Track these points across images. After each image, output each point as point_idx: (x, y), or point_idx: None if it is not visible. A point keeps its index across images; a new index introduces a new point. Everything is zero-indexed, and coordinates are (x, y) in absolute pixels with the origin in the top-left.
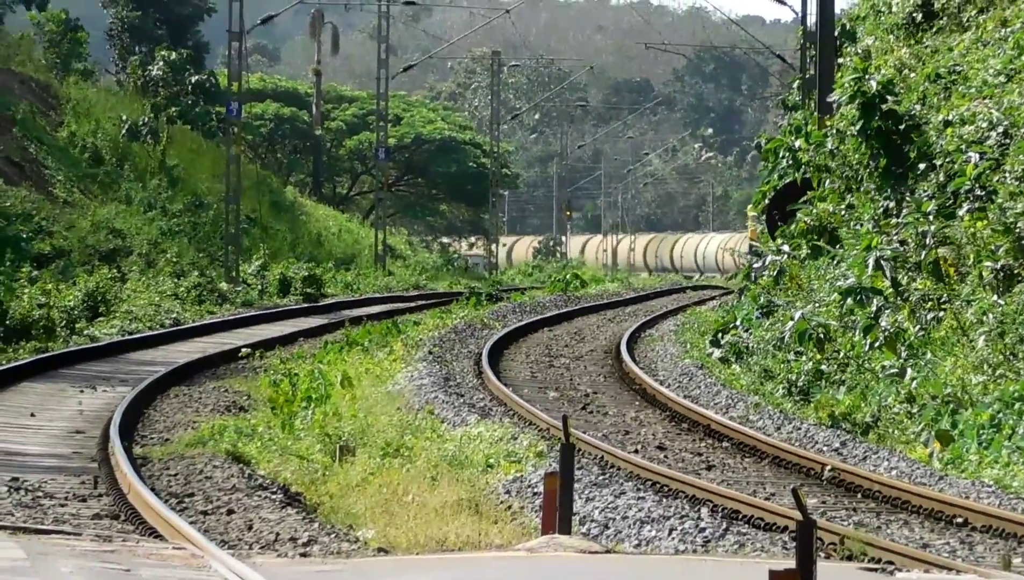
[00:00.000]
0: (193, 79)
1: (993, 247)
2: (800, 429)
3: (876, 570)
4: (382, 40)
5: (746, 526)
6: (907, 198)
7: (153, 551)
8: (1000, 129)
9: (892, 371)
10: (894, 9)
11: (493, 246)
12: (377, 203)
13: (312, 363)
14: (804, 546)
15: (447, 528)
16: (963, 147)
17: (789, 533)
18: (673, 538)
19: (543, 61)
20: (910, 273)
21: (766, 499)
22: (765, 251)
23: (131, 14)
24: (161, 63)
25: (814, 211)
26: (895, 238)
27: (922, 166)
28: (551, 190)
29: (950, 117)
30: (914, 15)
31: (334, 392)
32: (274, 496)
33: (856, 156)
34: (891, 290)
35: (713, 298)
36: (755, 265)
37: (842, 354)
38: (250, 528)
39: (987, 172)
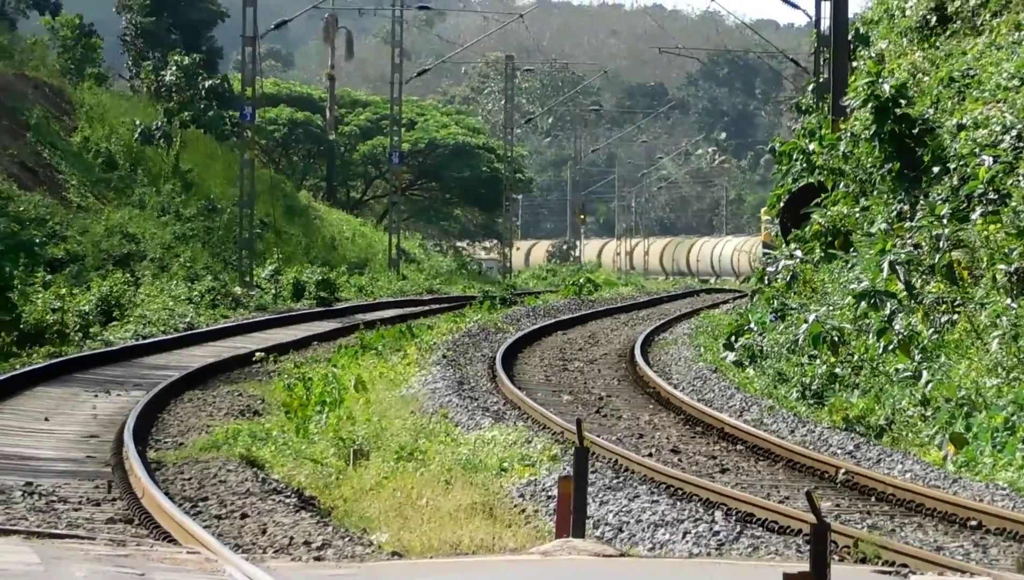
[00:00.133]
0: (206, 84)
1: (1007, 250)
2: (814, 432)
3: (890, 573)
4: (396, 45)
5: (760, 529)
6: (921, 201)
7: (167, 555)
8: (1014, 133)
9: (906, 374)
10: (908, 13)
11: (507, 250)
12: (391, 207)
13: (326, 367)
14: (818, 549)
15: (461, 532)
16: (977, 150)
17: (803, 536)
18: (687, 541)
19: (556, 65)
20: (924, 276)
21: (780, 502)
22: (778, 256)
23: (145, 19)
24: (174, 68)
25: (828, 214)
26: (909, 241)
27: (936, 170)
28: (565, 194)
29: (964, 121)
30: (928, 19)
31: (348, 396)
32: (288, 500)
33: (869, 160)
34: (905, 293)
35: (727, 302)
36: (769, 268)
37: (856, 357)
38: (264, 532)
39: (1001, 175)
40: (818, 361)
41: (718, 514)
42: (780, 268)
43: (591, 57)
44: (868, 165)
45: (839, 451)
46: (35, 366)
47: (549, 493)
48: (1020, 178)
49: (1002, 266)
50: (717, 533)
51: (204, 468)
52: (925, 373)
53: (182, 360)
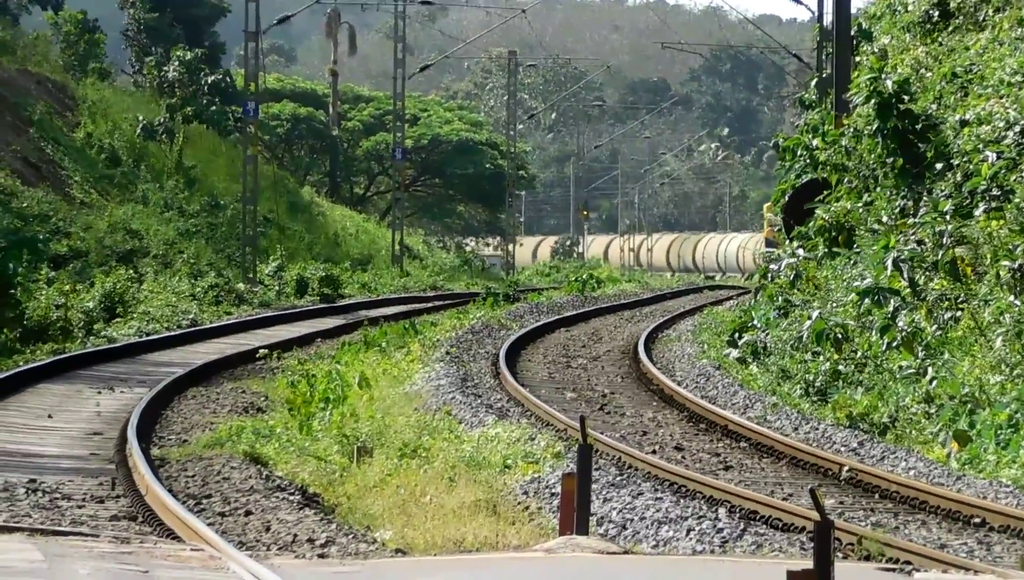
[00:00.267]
0: (209, 79)
1: (1010, 246)
2: (818, 429)
3: (894, 570)
4: (398, 40)
5: (764, 527)
6: (924, 198)
7: (171, 552)
8: (1017, 128)
9: (909, 371)
10: (910, 8)
11: (510, 246)
12: (394, 203)
13: (330, 364)
14: (822, 546)
15: (465, 529)
16: (980, 146)
17: (807, 533)
18: (691, 539)
19: (559, 61)
20: (927, 273)
21: (784, 500)
22: (782, 253)
23: (147, 15)
24: (177, 63)
25: (831, 209)
26: (912, 238)
27: (939, 166)
28: (567, 190)
29: (967, 116)
30: (930, 14)
31: (351, 393)
32: (292, 497)
33: (872, 156)
34: (908, 290)
35: (730, 298)
36: (772, 265)
37: (859, 354)
38: (268, 529)
39: (1004, 171)
40: (822, 358)
41: (722, 511)
42: (783, 266)
43: (594, 52)
44: (871, 161)
45: (843, 448)
46: (38, 363)
47: (553, 490)
48: (1023, 174)
49: (1006, 262)
50: (721, 530)
51: (208, 465)
52: (930, 370)
53: (185, 357)
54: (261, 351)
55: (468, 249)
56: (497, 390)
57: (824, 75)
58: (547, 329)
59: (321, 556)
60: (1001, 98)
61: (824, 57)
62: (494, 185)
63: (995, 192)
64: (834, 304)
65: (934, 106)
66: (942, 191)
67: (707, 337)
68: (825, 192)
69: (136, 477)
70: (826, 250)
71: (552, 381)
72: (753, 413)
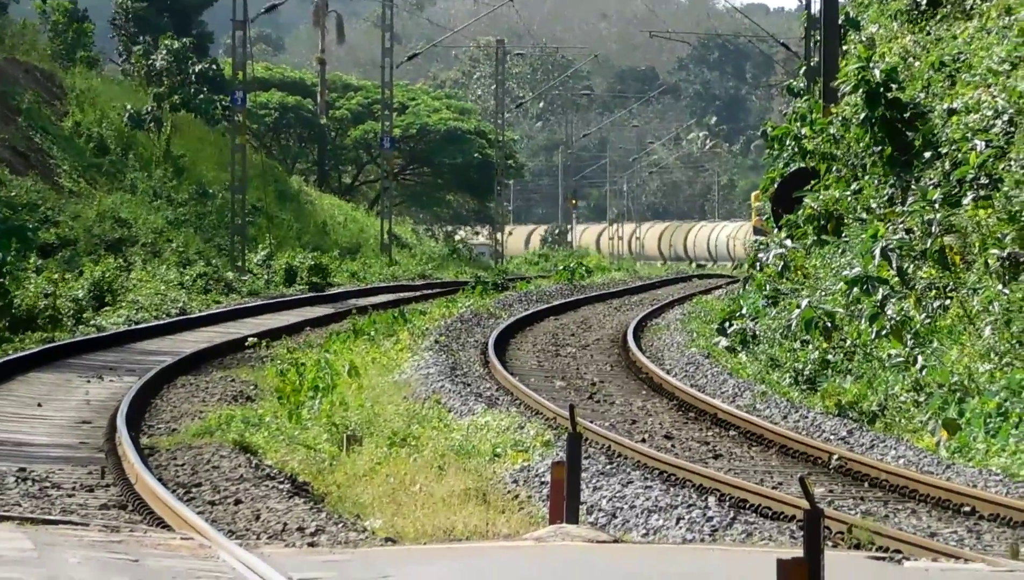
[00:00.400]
0: (197, 68)
1: (999, 235)
2: (807, 418)
3: (884, 559)
4: (386, 29)
5: (754, 515)
6: (912, 186)
7: (161, 541)
8: (1005, 117)
9: (898, 360)
10: None
11: (498, 235)
12: (383, 192)
13: (319, 352)
14: (812, 535)
15: (454, 518)
16: (968, 135)
17: (797, 522)
18: (681, 527)
19: (547, 50)
20: (916, 262)
21: (773, 488)
22: (770, 242)
23: (135, 3)
24: (165, 52)
25: (820, 198)
26: (900, 226)
27: (927, 154)
28: (556, 179)
29: (955, 105)
30: (918, 2)
31: (341, 382)
32: (281, 486)
33: (861, 145)
34: (897, 279)
35: (720, 287)
36: (760, 255)
37: (848, 343)
38: (258, 518)
39: (992, 160)
40: (811, 346)
41: (711, 500)
42: (772, 256)
43: (582, 41)
44: (859, 150)
45: (832, 437)
46: (27, 352)
47: (542, 479)
48: (1012, 163)
49: (994, 251)
50: (711, 519)
51: (197, 454)
52: (919, 358)
53: (174, 345)
54: (250, 340)
55: (457, 238)
56: (486, 379)
57: (812, 64)
58: (536, 318)
59: (311, 545)
60: (989, 87)
61: (812, 45)
62: (483, 174)
63: (983, 181)
64: (823, 293)
65: (922, 95)
66: (930, 180)
67: (696, 326)
68: (813, 181)
69: (126, 466)
70: (815, 239)
71: (541, 370)
72: (742, 402)
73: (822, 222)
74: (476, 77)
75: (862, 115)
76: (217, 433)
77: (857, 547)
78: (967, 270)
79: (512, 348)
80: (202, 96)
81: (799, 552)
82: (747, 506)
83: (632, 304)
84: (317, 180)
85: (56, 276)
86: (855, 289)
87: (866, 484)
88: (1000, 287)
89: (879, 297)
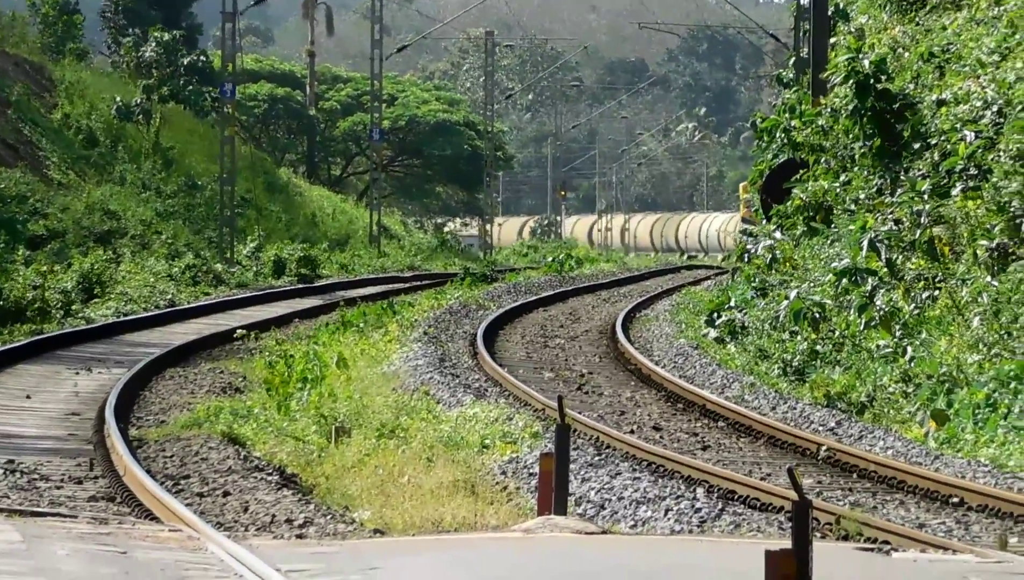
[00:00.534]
0: (186, 60)
1: (988, 226)
2: (795, 409)
3: (872, 550)
4: (375, 20)
5: (742, 506)
6: (901, 177)
7: (149, 533)
8: (994, 108)
9: (887, 351)
10: None
11: (488, 226)
12: (372, 184)
13: (307, 344)
14: (800, 526)
15: (443, 509)
16: (957, 126)
17: (785, 513)
18: (669, 518)
19: (537, 41)
20: (905, 252)
21: (762, 479)
22: (759, 232)
23: None
24: (154, 44)
25: (809, 188)
26: (889, 217)
27: (916, 145)
28: (545, 170)
29: (944, 96)
30: None
31: (329, 373)
32: (270, 478)
33: (850, 136)
34: (886, 270)
35: (709, 278)
36: (749, 246)
37: (837, 334)
38: (246, 510)
39: (981, 151)
40: (799, 338)
41: (700, 491)
42: (761, 249)
43: (571, 32)
44: (848, 141)
45: (820, 428)
46: (16, 344)
47: (531, 470)
48: (1000, 154)
49: (983, 242)
50: (699, 510)
51: (186, 446)
52: (908, 349)
53: (163, 337)
54: (239, 331)
55: (447, 230)
56: (475, 370)
57: (801, 55)
58: (525, 309)
59: (299, 537)
60: (978, 78)
61: (801, 36)
62: (472, 165)
63: (972, 172)
64: (811, 284)
65: (911, 86)
66: (919, 171)
67: (685, 317)
68: (802, 171)
69: (114, 458)
70: (804, 230)
71: (530, 361)
72: (731, 393)
73: (811, 213)
74: (465, 69)
75: (851, 106)
76: (205, 425)
77: (845, 538)
78: (956, 261)
79: (501, 339)
80: (191, 88)
81: (787, 543)
82: (735, 497)
83: (621, 295)
84: (306, 172)
85: (45, 268)
86: (844, 280)
87: (854, 475)
88: (989, 278)
89: (868, 288)
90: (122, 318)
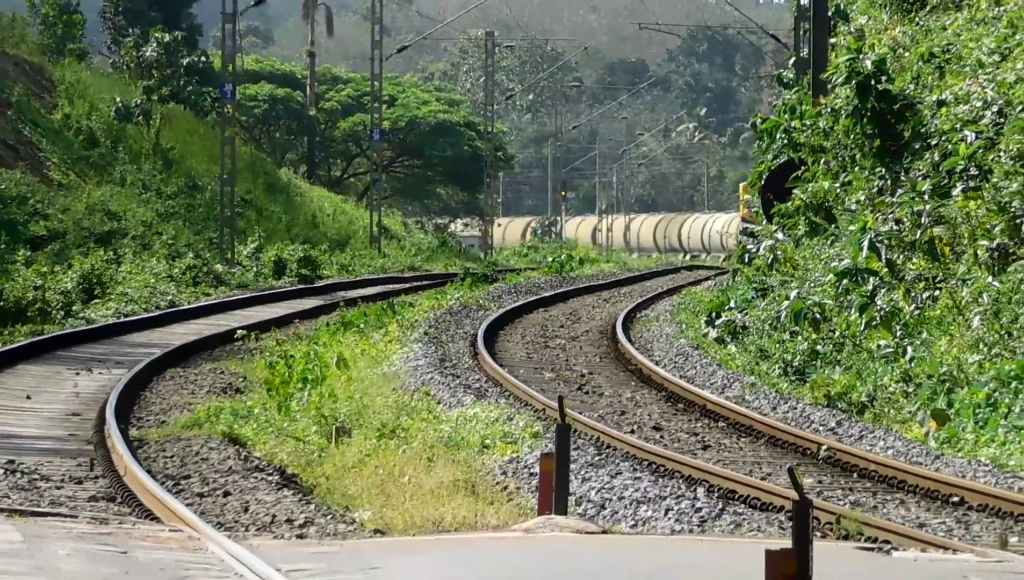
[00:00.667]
0: (186, 60)
1: (988, 226)
2: (796, 409)
3: (873, 549)
4: (376, 21)
5: (742, 506)
6: (901, 177)
7: (149, 533)
8: (995, 108)
9: (888, 350)
10: None
11: (488, 227)
12: (372, 184)
13: (308, 344)
14: (800, 526)
15: (443, 509)
16: (957, 126)
17: (785, 513)
18: (669, 518)
19: (537, 42)
20: (905, 253)
21: (762, 479)
22: (759, 232)
23: None
24: (155, 44)
25: (810, 188)
26: (890, 217)
27: (916, 145)
28: (546, 171)
29: (944, 96)
30: None
31: (330, 373)
32: (270, 478)
33: (850, 136)
34: (886, 270)
35: (709, 278)
36: (749, 247)
37: (838, 334)
38: (246, 510)
39: (981, 151)
40: (800, 338)
41: (700, 491)
42: (763, 249)
43: (571, 33)
44: (849, 141)
45: (821, 428)
46: (16, 344)
47: (531, 470)
48: (1001, 154)
49: (984, 242)
50: (699, 510)
51: (186, 446)
52: (908, 349)
53: (164, 338)
54: (239, 332)
55: (447, 231)
56: (475, 370)
57: (802, 55)
58: (525, 309)
59: (299, 537)
60: (978, 78)
61: (801, 36)
62: (472, 166)
63: (973, 172)
64: (812, 284)
65: (912, 86)
66: (920, 171)
67: (685, 317)
68: (802, 168)
69: (114, 458)
70: (805, 230)
71: (530, 361)
72: (731, 393)
73: (812, 213)
74: (465, 69)
75: (852, 106)
76: (206, 425)
77: (846, 538)
78: (956, 261)
79: (501, 340)
80: (191, 89)
81: (788, 543)
82: (736, 497)
83: (621, 296)
84: (306, 172)
85: (45, 269)
86: (844, 280)
87: (855, 475)
88: (989, 278)
89: (868, 288)
90: (123, 319)
